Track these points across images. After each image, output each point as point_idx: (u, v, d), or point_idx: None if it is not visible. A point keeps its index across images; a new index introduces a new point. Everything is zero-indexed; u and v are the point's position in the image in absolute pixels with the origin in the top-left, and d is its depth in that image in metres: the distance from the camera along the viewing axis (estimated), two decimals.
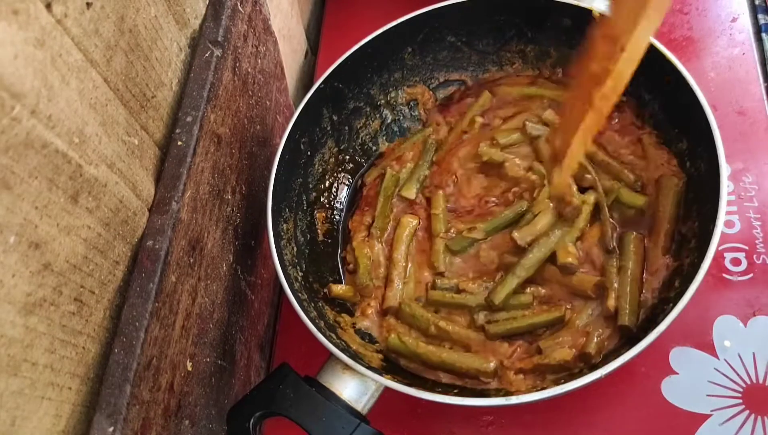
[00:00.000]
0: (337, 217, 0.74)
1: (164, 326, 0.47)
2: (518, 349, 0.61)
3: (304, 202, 0.70)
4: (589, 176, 0.65)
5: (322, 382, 0.55)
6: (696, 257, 0.56)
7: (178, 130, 0.53)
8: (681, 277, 0.57)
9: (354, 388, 0.55)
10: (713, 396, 0.60)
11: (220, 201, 0.59)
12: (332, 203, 0.74)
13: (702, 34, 0.81)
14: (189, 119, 0.53)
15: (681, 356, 0.62)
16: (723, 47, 0.79)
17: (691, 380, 0.61)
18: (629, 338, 0.58)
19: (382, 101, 0.77)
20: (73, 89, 0.39)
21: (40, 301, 0.37)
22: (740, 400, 0.60)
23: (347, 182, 0.75)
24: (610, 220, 0.64)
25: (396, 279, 0.66)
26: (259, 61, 0.68)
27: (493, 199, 0.69)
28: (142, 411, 0.44)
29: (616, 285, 0.60)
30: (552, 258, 0.62)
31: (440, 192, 0.70)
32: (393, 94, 0.77)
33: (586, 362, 0.58)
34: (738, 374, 0.61)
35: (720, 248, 0.67)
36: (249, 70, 0.65)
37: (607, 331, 0.59)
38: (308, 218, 0.70)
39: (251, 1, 0.65)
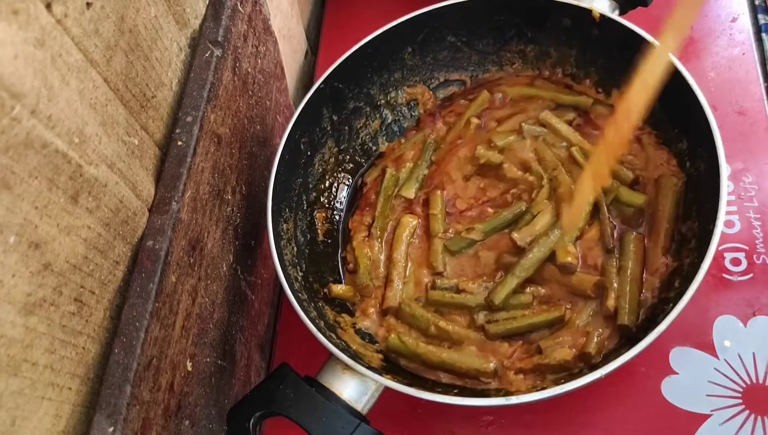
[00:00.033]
0: (337, 217, 0.74)
1: (164, 326, 0.47)
2: (518, 349, 0.61)
3: (304, 202, 0.70)
4: None
5: (322, 382, 0.55)
6: (696, 257, 0.56)
7: (178, 130, 0.53)
8: (681, 277, 0.57)
9: (354, 388, 0.55)
10: (713, 396, 0.60)
11: (220, 201, 0.59)
12: (332, 203, 0.74)
13: (702, 34, 0.81)
14: (189, 119, 0.53)
15: (681, 356, 0.62)
16: (723, 47, 0.79)
17: (691, 380, 0.61)
18: (629, 338, 0.58)
19: (382, 101, 0.77)
20: (73, 89, 0.39)
21: (40, 301, 0.37)
22: (740, 400, 0.60)
23: (347, 182, 0.75)
24: (610, 219, 0.64)
25: (396, 279, 0.66)
26: (259, 61, 0.68)
27: (492, 200, 0.69)
28: (142, 411, 0.44)
29: (615, 285, 0.60)
30: (552, 258, 0.63)
31: (438, 192, 0.70)
32: (393, 94, 0.77)
33: (586, 362, 0.58)
34: (738, 374, 0.61)
35: (720, 248, 0.67)
36: (249, 70, 0.65)
37: (607, 331, 0.59)
38: (308, 218, 0.70)
39: (251, 1, 0.65)
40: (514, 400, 0.52)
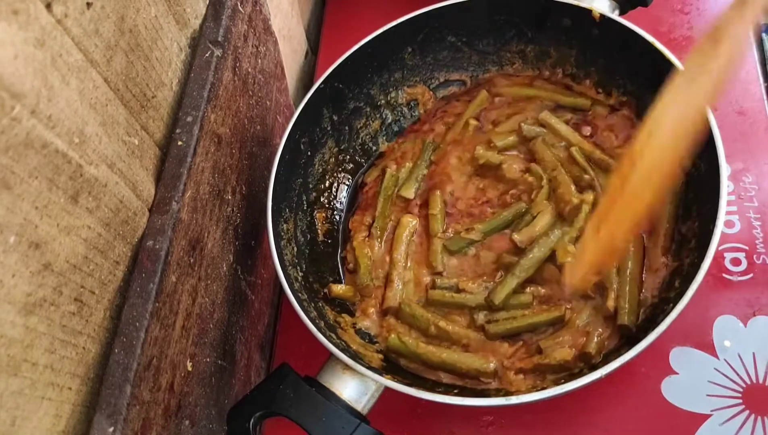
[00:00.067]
0: (337, 217, 0.74)
1: (164, 326, 0.47)
2: (518, 349, 0.61)
3: (304, 202, 0.70)
4: (587, 176, 0.65)
5: (322, 382, 0.55)
6: (696, 257, 0.56)
7: (178, 130, 0.53)
8: (681, 277, 0.57)
9: (354, 388, 0.55)
10: (713, 396, 0.60)
11: (221, 201, 0.59)
12: (332, 203, 0.74)
13: (702, 34, 0.81)
14: (189, 119, 0.53)
15: (681, 356, 0.62)
16: None
17: (691, 380, 0.61)
18: (629, 338, 0.58)
19: (383, 101, 0.77)
20: (74, 89, 0.39)
21: (40, 301, 0.37)
22: (740, 400, 0.60)
23: (347, 182, 0.75)
24: None
25: (396, 279, 0.67)
26: (260, 61, 0.68)
27: (491, 200, 0.69)
28: (143, 411, 0.44)
29: (615, 285, 0.60)
30: (552, 258, 0.63)
31: (438, 192, 0.70)
32: (393, 94, 0.77)
33: (586, 362, 0.58)
34: (738, 374, 0.61)
35: (720, 248, 0.67)
36: (249, 70, 0.65)
37: (607, 331, 0.59)
38: (308, 218, 0.70)
39: (251, 1, 0.65)
40: (514, 400, 0.52)
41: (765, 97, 0.75)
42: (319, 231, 0.71)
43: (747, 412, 0.59)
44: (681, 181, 0.62)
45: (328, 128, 0.73)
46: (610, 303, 0.59)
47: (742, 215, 0.68)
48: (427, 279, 0.67)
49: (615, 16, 0.67)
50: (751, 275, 0.65)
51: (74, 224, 0.40)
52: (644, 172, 0.44)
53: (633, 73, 0.69)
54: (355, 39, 0.71)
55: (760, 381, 0.61)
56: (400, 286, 0.66)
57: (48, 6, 0.37)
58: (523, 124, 0.71)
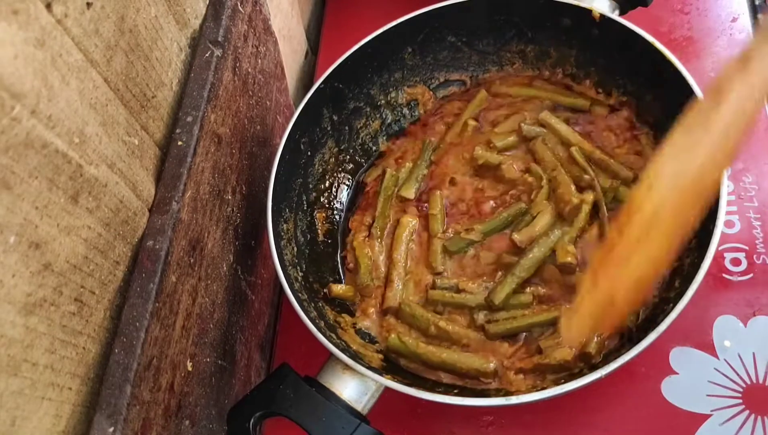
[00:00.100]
0: (337, 217, 0.74)
1: (164, 326, 0.47)
2: (518, 349, 0.61)
3: (304, 202, 0.70)
4: (587, 176, 0.65)
5: (322, 382, 0.55)
6: (696, 257, 0.56)
7: (178, 130, 0.53)
8: (681, 277, 0.57)
9: (354, 388, 0.55)
10: (713, 396, 0.60)
11: (221, 201, 0.59)
12: (332, 203, 0.74)
13: (702, 34, 0.81)
14: (189, 119, 0.53)
15: (681, 356, 0.62)
16: (723, 47, 0.79)
17: (691, 380, 0.61)
18: (629, 338, 0.58)
19: (383, 101, 0.77)
20: (74, 89, 0.39)
21: (41, 301, 0.37)
22: (740, 400, 0.60)
23: (347, 182, 0.76)
24: (609, 218, 0.64)
25: (396, 279, 0.67)
26: (260, 61, 0.68)
27: (491, 201, 0.69)
28: (143, 411, 0.44)
29: None
30: (552, 258, 0.63)
31: (438, 192, 0.70)
32: (393, 94, 0.77)
33: (586, 362, 0.58)
34: (738, 374, 0.61)
35: (720, 248, 0.67)
36: (249, 70, 0.65)
37: (607, 331, 0.59)
38: (308, 218, 0.70)
39: (251, 2, 0.65)
40: (514, 400, 0.52)
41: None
42: (319, 231, 0.71)
43: (747, 412, 0.59)
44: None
45: (328, 128, 0.73)
46: None
47: (742, 215, 0.68)
48: (427, 279, 0.66)
49: (615, 16, 0.67)
50: (751, 275, 0.65)
51: (74, 224, 0.40)
52: (642, 225, 0.42)
53: (633, 73, 0.69)
54: (355, 39, 0.71)
55: (760, 381, 0.61)
56: (400, 286, 0.66)
57: (48, 6, 0.37)
58: (522, 124, 0.71)
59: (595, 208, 0.64)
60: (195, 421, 0.53)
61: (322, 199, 0.73)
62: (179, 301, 0.50)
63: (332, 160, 0.74)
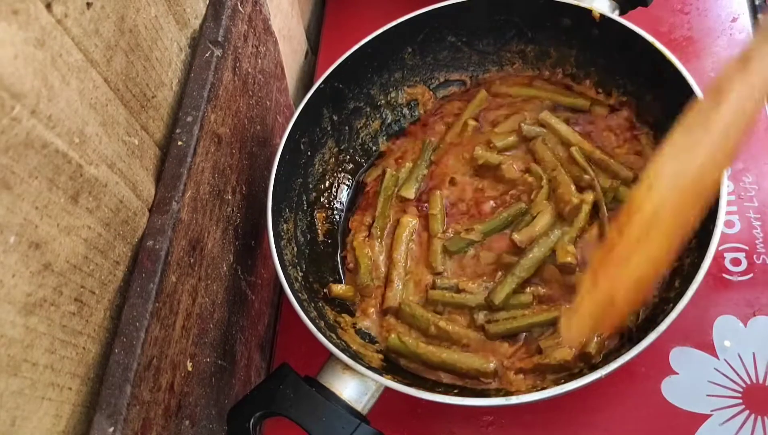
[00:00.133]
0: (337, 217, 0.74)
1: (164, 326, 0.47)
2: (518, 349, 0.61)
3: (304, 202, 0.70)
4: (587, 176, 0.65)
5: (322, 382, 0.55)
6: (696, 257, 0.56)
7: (178, 130, 0.53)
8: (681, 277, 0.57)
9: (354, 388, 0.55)
10: (713, 396, 0.60)
11: (221, 201, 0.59)
12: (332, 203, 0.74)
13: (702, 34, 0.81)
14: (189, 119, 0.53)
15: (681, 356, 0.62)
16: (723, 47, 0.79)
17: (691, 380, 0.61)
18: (629, 338, 0.58)
19: (383, 101, 0.77)
20: (74, 89, 0.39)
21: (41, 301, 0.37)
22: (740, 400, 0.60)
23: (347, 182, 0.76)
24: (609, 218, 0.64)
25: (396, 279, 0.67)
26: (260, 61, 0.68)
27: (491, 201, 0.69)
28: (143, 411, 0.44)
29: None
30: (551, 257, 0.63)
31: (438, 192, 0.70)
32: (393, 94, 0.77)
33: (586, 362, 0.58)
34: (738, 374, 0.61)
35: (720, 248, 0.67)
36: (249, 70, 0.65)
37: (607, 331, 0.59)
38: (308, 218, 0.70)
39: (251, 2, 0.65)
40: (514, 400, 0.52)
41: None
42: (319, 231, 0.71)
43: (747, 412, 0.59)
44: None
45: (328, 128, 0.73)
46: None
47: (742, 215, 0.68)
48: (427, 279, 0.66)
49: (615, 16, 0.67)
50: (751, 275, 0.65)
51: (74, 224, 0.40)
52: (642, 224, 0.42)
53: (633, 73, 0.69)
54: (355, 39, 0.71)
55: (760, 381, 0.61)
56: (400, 286, 0.66)
57: (48, 6, 0.37)
58: (522, 124, 0.71)
59: (595, 208, 0.65)
60: (195, 421, 0.53)
61: (322, 199, 0.73)
62: (179, 301, 0.50)
63: (332, 160, 0.74)
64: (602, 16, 0.67)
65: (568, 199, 0.64)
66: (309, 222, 0.70)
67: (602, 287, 0.44)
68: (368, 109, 0.76)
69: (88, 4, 0.41)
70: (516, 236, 0.64)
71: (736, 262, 0.66)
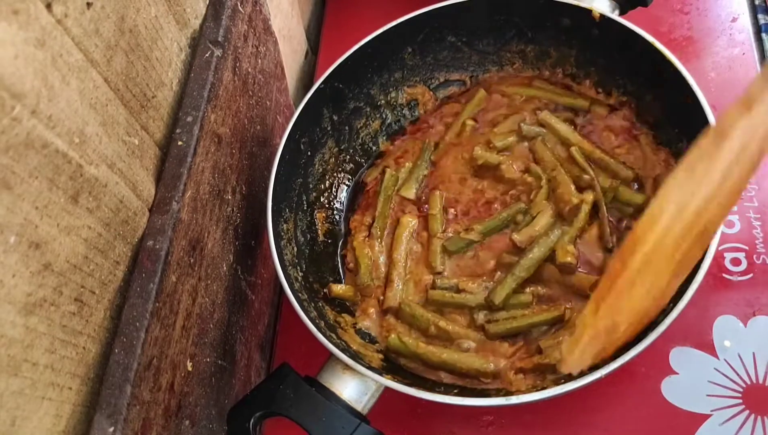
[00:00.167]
0: (337, 217, 0.74)
1: (164, 326, 0.47)
2: (518, 349, 0.61)
3: (304, 202, 0.70)
4: (587, 176, 0.65)
5: (322, 382, 0.55)
6: None
7: (178, 130, 0.53)
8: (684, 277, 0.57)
9: (354, 388, 0.55)
10: (713, 396, 0.60)
11: (221, 201, 0.59)
12: (332, 203, 0.74)
13: (702, 34, 0.81)
14: (189, 119, 0.53)
15: (681, 356, 0.62)
16: (723, 47, 0.79)
17: (691, 380, 0.61)
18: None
19: (383, 101, 0.77)
20: (74, 89, 0.39)
21: (41, 301, 0.37)
22: (740, 400, 0.60)
23: (347, 182, 0.76)
24: (609, 218, 0.64)
25: (396, 279, 0.67)
26: (260, 61, 0.68)
27: (491, 201, 0.69)
28: (143, 411, 0.44)
29: None
30: (551, 257, 0.63)
31: (437, 192, 0.70)
32: (393, 94, 0.77)
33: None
34: (738, 374, 0.61)
35: (720, 248, 0.67)
36: (249, 70, 0.65)
37: None
38: (308, 218, 0.70)
39: (251, 2, 0.65)
40: (514, 400, 0.52)
41: None
42: (319, 231, 0.71)
43: (747, 412, 0.59)
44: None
45: (328, 128, 0.73)
46: None
47: (742, 215, 0.68)
48: (427, 279, 0.67)
49: (615, 16, 0.67)
50: (751, 275, 0.65)
51: (74, 224, 0.40)
52: (645, 257, 0.44)
53: (633, 73, 0.69)
54: (355, 39, 0.71)
55: (760, 381, 0.61)
56: (400, 286, 0.66)
57: (48, 6, 0.37)
58: (522, 124, 0.71)
59: (595, 208, 0.65)
60: (195, 421, 0.53)
61: (322, 199, 0.73)
62: (179, 301, 0.50)
63: (332, 160, 0.74)
64: (602, 16, 0.67)
65: (567, 199, 0.64)
66: (309, 222, 0.70)
67: (604, 317, 0.45)
68: (368, 109, 0.76)
69: (88, 4, 0.41)
70: (516, 236, 0.64)
71: (736, 262, 0.66)
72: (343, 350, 0.55)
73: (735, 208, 0.69)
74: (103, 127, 0.43)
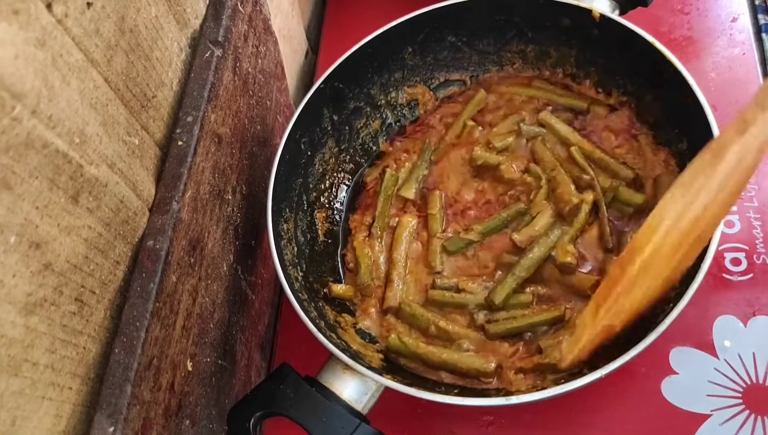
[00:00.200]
0: (337, 217, 0.74)
1: (165, 326, 0.47)
2: (518, 349, 0.61)
3: (305, 202, 0.70)
4: (586, 176, 0.66)
5: (322, 382, 0.55)
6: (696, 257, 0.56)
7: (178, 130, 0.53)
8: (681, 277, 0.57)
9: (354, 388, 0.55)
10: (713, 396, 0.60)
11: (221, 201, 0.59)
12: (332, 203, 0.74)
13: (702, 34, 0.81)
14: (189, 119, 0.53)
15: (681, 356, 0.62)
16: (723, 47, 0.79)
17: (691, 380, 0.61)
18: (629, 338, 0.58)
19: (383, 101, 0.77)
20: (74, 89, 0.39)
21: (41, 301, 0.37)
22: (740, 400, 0.60)
23: (347, 182, 0.76)
24: (609, 218, 0.64)
25: (396, 279, 0.67)
26: (260, 61, 0.68)
27: (490, 201, 0.69)
28: (143, 411, 0.44)
29: None
30: (551, 257, 0.63)
31: (437, 192, 0.70)
32: (393, 94, 0.77)
33: (586, 362, 0.58)
34: (738, 374, 0.61)
35: (720, 248, 0.67)
36: (249, 70, 0.65)
37: None
38: (308, 218, 0.70)
39: (252, 1, 0.65)
40: (514, 400, 0.52)
41: None
42: (319, 231, 0.71)
43: (747, 412, 0.59)
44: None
45: (328, 128, 0.73)
46: None
47: (742, 215, 0.68)
48: (427, 279, 0.67)
49: (615, 16, 0.67)
50: (751, 275, 0.65)
51: (75, 224, 0.40)
52: (643, 264, 0.47)
53: (633, 73, 0.69)
54: (355, 39, 0.71)
55: (760, 381, 0.61)
56: (400, 286, 0.66)
57: (48, 6, 0.37)
58: (522, 125, 0.71)
59: (595, 207, 0.65)
60: (195, 420, 0.53)
61: (322, 199, 0.73)
62: (179, 301, 0.50)
63: (332, 160, 0.74)
64: (602, 16, 0.67)
65: (567, 199, 0.64)
66: (309, 222, 0.70)
67: (603, 318, 0.50)
68: (368, 109, 0.76)
69: (89, 4, 0.41)
70: (516, 236, 0.64)
71: (736, 262, 0.66)
72: (343, 350, 0.55)
73: (735, 208, 0.69)
74: (103, 127, 0.43)
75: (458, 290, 0.65)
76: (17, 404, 0.35)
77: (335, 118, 0.73)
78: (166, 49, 0.53)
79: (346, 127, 0.75)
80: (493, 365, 0.59)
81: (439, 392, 0.55)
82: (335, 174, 0.75)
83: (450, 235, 0.68)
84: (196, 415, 0.53)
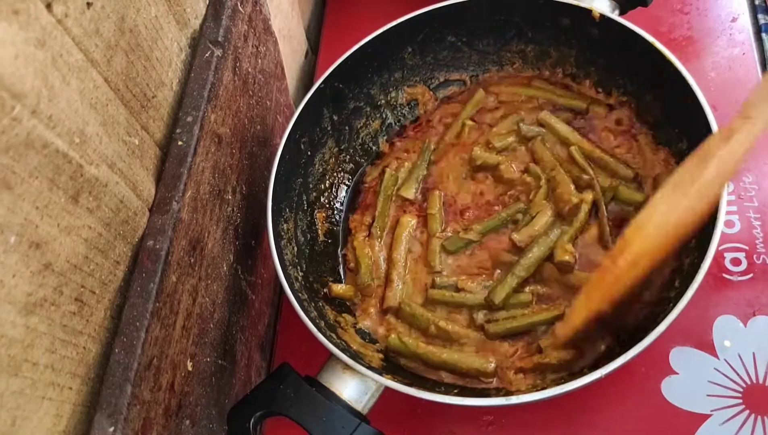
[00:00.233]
0: (337, 217, 0.74)
1: (165, 326, 0.47)
2: (518, 349, 0.61)
3: (305, 202, 0.70)
4: (586, 175, 0.66)
5: (322, 382, 0.55)
6: (696, 257, 0.56)
7: (178, 130, 0.53)
8: (681, 277, 0.57)
9: (354, 387, 0.55)
10: (713, 396, 0.60)
11: (221, 201, 0.59)
12: (332, 203, 0.74)
13: (702, 34, 0.81)
14: (189, 119, 0.53)
15: (681, 356, 0.62)
16: (723, 47, 0.79)
17: (691, 380, 0.61)
18: (628, 338, 0.58)
19: (383, 101, 0.77)
20: (74, 89, 0.39)
21: (41, 301, 0.37)
22: (740, 400, 0.60)
23: (347, 182, 0.76)
24: (609, 218, 0.64)
25: (396, 278, 0.67)
26: (260, 61, 0.68)
27: (490, 201, 0.69)
28: (143, 411, 0.44)
29: None
30: (550, 257, 0.63)
31: (437, 192, 0.70)
32: (393, 94, 0.77)
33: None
34: (738, 374, 0.61)
35: (720, 248, 0.67)
36: (249, 70, 0.65)
37: None
38: (308, 218, 0.70)
39: (251, 2, 0.65)
40: (514, 400, 0.52)
41: None
42: (319, 231, 0.71)
43: (747, 412, 0.59)
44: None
45: (328, 128, 0.73)
46: None
47: (742, 215, 0.68)
48: (427, 278, 0.67)
49: (615, 16, 0.67)
50: (751, 275, 0.65)
51: (75, 224, 0.40)
52: (631, 258, 0.52)
53: (633, 73, 0.69)
54: (355, 39, 0.71)
55: (760, 381, 0.61)
56: (400, 286, 0.66)
57: (48, 6, 0.37)
58: (521, 124, 0.71)
59: (595, 207, 0.65)
60: (195, 420, 0.53)
61: (322, 199, 0.73)
62: (179, 301, 0.50)
63: (332, 160, 0.74)
64: (602, 16, 0.67)
65: (567, 199, 0.64)
66: (309, 222, 0.70)
67: (595, 305, 0.54)
68: (368, 109, 0.76)
69: (89, 4, 0.41)
70: (515, 236, 0.64)
71: (736, 262, 0.66)
72: (343, 350, 0.55)
73: (735, 208, 0.69)
74: (103, 127, 0.43)
75: (458, 290, 0.65)
76: (17, 404, 0.35)
77: (335, 118, 0.73)
78: (166, 49, 0.53)
79: (346, 127, 0.75)
80: (493, 365, 0.59)
81: (439, 392, 0.55)
82: (335, 174, 0.75)
83: (449, 234, 0.68)
84: (196, 415, 0.53)
